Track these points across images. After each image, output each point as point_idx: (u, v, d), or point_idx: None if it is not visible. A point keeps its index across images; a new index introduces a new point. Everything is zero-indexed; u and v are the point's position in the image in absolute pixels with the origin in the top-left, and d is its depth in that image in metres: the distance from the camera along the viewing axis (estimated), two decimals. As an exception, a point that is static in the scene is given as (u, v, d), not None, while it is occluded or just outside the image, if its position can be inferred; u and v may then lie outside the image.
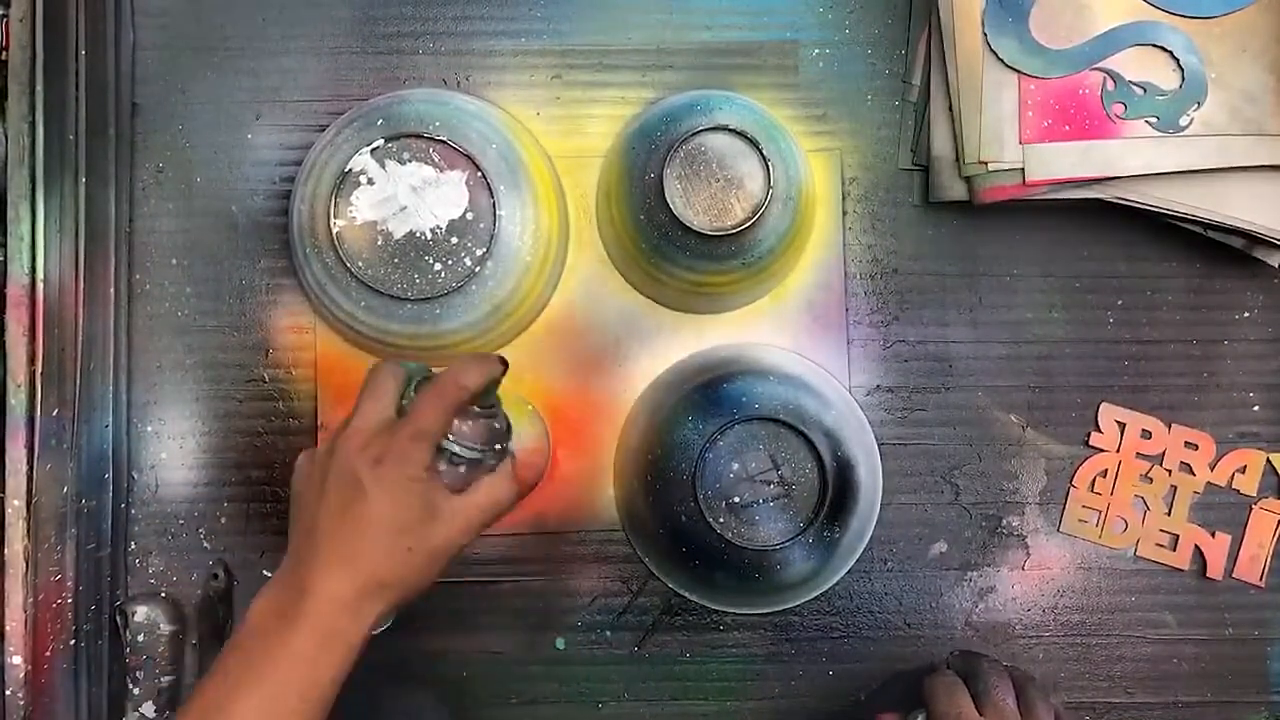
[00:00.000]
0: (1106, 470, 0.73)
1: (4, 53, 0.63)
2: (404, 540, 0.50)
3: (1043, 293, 0.74)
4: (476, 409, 0.53)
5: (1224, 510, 0.73)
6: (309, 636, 0.48)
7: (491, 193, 0.64)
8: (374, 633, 0.51)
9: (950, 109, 0.70)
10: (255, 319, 0.73)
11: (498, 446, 0.54)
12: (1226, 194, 0.69)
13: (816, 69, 0.74)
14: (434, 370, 0.55)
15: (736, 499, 0.65)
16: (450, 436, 0.52)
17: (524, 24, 0.74)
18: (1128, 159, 0.68)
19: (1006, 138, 0.69)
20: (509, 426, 0.55)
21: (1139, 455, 0.73)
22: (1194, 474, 0.73)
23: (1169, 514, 0.73)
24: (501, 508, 0.54)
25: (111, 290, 0.70)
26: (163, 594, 0.71)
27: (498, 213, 0.64)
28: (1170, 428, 0.73)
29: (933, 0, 0.71)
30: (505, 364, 0.54)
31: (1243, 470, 0.73)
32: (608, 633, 0.72)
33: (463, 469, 0.53)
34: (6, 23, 0.63)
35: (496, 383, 0.54)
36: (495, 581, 0.72)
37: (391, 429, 0.51)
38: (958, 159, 0.70)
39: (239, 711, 0.47)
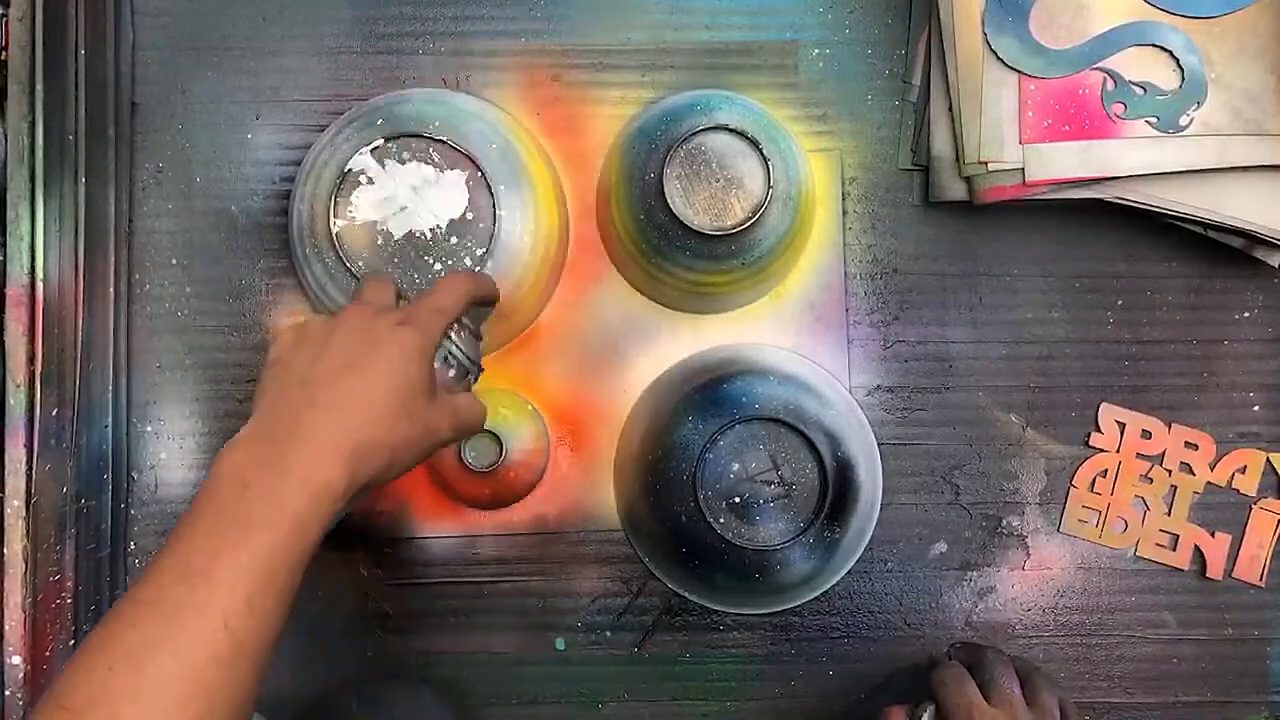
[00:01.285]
0: (1106, 470, 0.73)
1: (4, 52, 0.63)
2: (405, 404, 0.47)
3: (1043, 293, 0.74)
4: (471, 322, 0.56)
5: (1224, 510, 0.73)
6: (301, 490, 0.43)
7: (491, 193, 0.64)
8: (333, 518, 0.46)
9: (950, 109, 0.70)
10: (255, 319, 0.73)
11: (478, 369, 0.56)
12: (1226, 194, 0.69)
13: (816, 69, 0.74)
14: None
15: (736, 499, 0.65)
16: (451, 335, 0.54)
17: (524, 24, 0.74)
18: (1128, 159, 0.68)
19: (1006, 138, 0.69)
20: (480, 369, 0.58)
21: (1139, 455, 0.73)
22: (1194, 474, 0.73)
23: (1169, 514, 0.73)
24: (474, 425, 0.54)
25: (111, 290, 0.70)
26: (163, 594, 0.71)
27: (498, 213, 0.64)
28: (1170, 428, 0.73)
29: (933, 0, 0.71)
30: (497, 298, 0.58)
31: (1243, 470, 0.73)
32: (608, 633, 0.72)
33: (451, 373, 0.54)
34: (6, 22, 0.63)
35: (491, 306, 0.58)
36: (495, 581, 0.72)
37: (410, 302, 0.52)
38: (958, 159, 0.70)
39: (223, 575, 0.40)
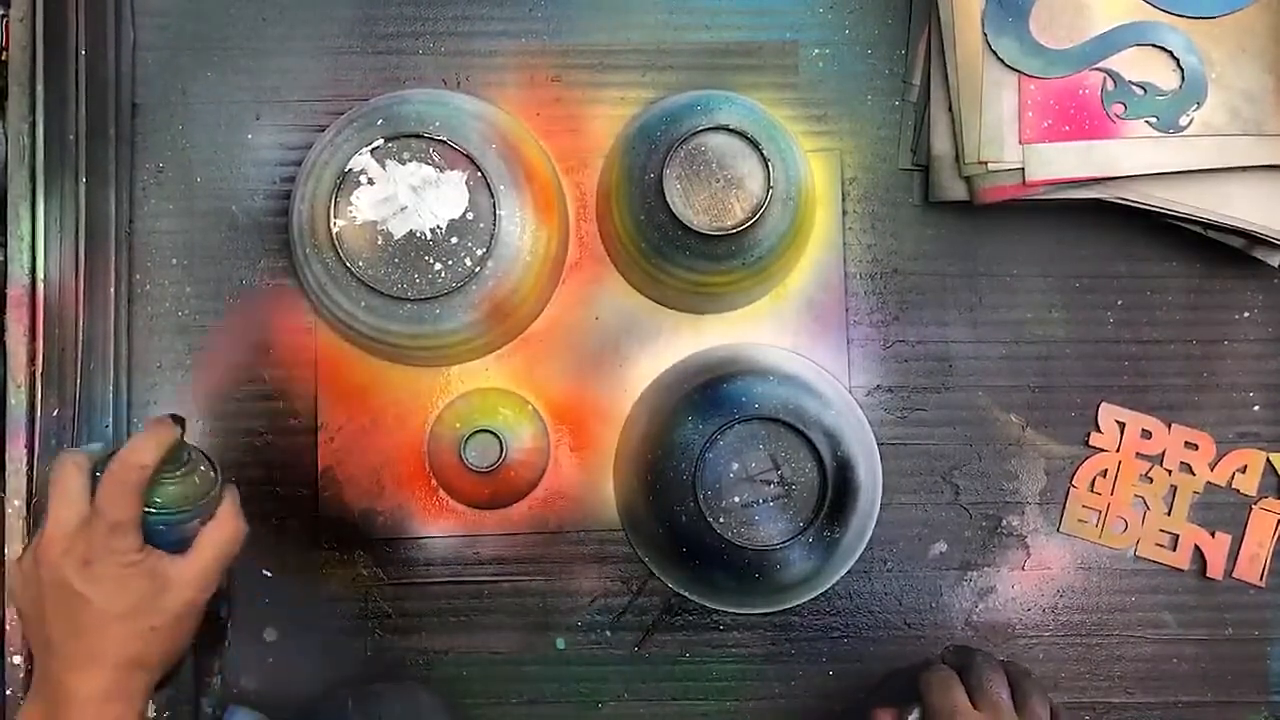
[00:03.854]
0: (1106, 470, 0.73)
1: (4, 53, 0.63)
2: (142, 622, 0.49)
3: (1043, 293, 0.74)
4: (166, 475, 0.51)
5: (1224, 510, 0.73)
6: None
7: (491, 193, 0.64)
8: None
9: (950, 109, 0.70)
10: (255, 319, 0.73)
11: (205, 498, 0.52)
12: (1226, 194, 0.69)
13: (816, 69, 0.74)
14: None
15: (736, 499, 0.65)
16: (150, 509, 0.50)
17: (524, 24, 0.74)
18: (1128, 159, 0.68)
19: (1006, 138, 0.69)
20: (214, 469, 0.53)
21: (1139, 455, 0.73)
22: (1194, 474, 0.73)
23: (1169, 514, 0.73)
24: (231, 550, 0.53)
25: (111, 290, 0.70)
26: (163, 594, 0.71)
27: (498, 213, 0.64)
28: (1170, 428, 0.73)
29: (933, 0, 0.71)
30: (181, 423, 0.52)
31: (1243, 470, 0.73)
32: (608, 633, 0.72)
33: (175, 535, 0.51)
34: (6, 23, 0.63)
35: (179, 444, 0.51)
36: (495, 581, 0.72)
37: (88, 526, 0.49)
38: (958, 159, 0.70)
39: None
